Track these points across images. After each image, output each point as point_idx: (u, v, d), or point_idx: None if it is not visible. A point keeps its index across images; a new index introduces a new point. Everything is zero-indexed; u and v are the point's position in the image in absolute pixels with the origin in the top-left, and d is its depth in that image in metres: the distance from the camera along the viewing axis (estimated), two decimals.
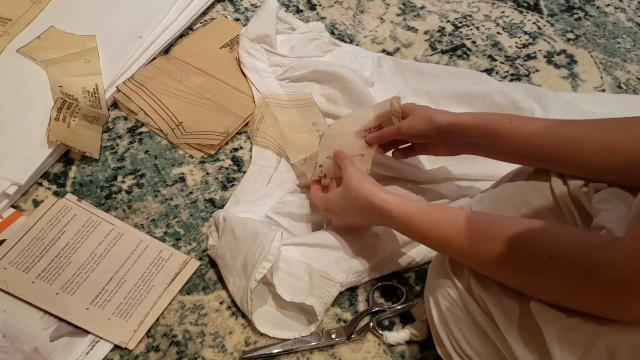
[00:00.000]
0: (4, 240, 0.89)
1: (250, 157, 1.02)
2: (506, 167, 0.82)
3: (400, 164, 0.95)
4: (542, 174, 0.75)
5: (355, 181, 0.81)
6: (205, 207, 0.96)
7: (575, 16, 1.29)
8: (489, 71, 1.18)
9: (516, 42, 1.24)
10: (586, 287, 0.54)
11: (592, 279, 0.53)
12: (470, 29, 1.26)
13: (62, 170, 1.00)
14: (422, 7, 1.30)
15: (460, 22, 1.27)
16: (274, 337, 0.82)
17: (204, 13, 1.24)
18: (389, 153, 0.92)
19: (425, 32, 1.25)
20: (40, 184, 0.98)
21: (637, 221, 0.51)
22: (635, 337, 0.53)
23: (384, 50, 1.21)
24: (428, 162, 0.98)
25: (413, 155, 0.91)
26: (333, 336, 0.82)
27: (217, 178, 1.00)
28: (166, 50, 1.17)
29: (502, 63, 1.20)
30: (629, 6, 1.32)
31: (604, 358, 0.53)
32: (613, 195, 0.66)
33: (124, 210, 0.95)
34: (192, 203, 0.97)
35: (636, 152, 0.66)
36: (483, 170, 0.96)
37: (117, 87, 1.09)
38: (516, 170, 0.80)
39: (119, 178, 0.99)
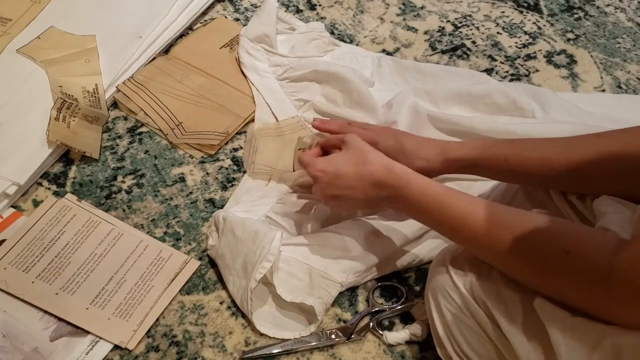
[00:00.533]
0: (4, 240, 0.89)
1: None
2: None
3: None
4: None
5: (371, 156, 0.75)
6: (205, 207, 0.96)
7: (575, 16, 1.29)
8: (489, 71, 1.18)
9: (516, 42, 1.24)
10: (596, 289, 0.54)
11: (604, 281, 0.53)
12: (470, 29, 1.26)
13: (62, 170, 1.00)
14: (422, 7, 1.30)
15: (460, 22, 1.27)
16: (274, 337, 0.82)
17: (204, 13, 1.24)
18: None
19: (425, 32, 1.25)
20: (40, 184, 0.98)
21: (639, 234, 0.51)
22: None
23: (384, 50, 1.21)
24: None
25: None
26: (333, 336, 0.82)
27: (217, 178, 1.00)
28: (166, 50, 1.17)
29: (502, 63, 1.20)
30: (629, 6, 1.32)
31: (610, 357, 0.53)
32: (614, 200, 0.66)
33: (123, 210, 0.95)
34: (192, 203, 0.97)
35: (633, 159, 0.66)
36: None
37: (117, 87, 1.09)
38: None
39: (119, 178, 0.99)
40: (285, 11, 1.25)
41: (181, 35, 1.20)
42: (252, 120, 1.07)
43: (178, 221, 0.95)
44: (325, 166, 0.77)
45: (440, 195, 0.69)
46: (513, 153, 0.75)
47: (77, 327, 0.82)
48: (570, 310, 0.57)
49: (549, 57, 1.21)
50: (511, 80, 1.16)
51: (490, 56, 1.21)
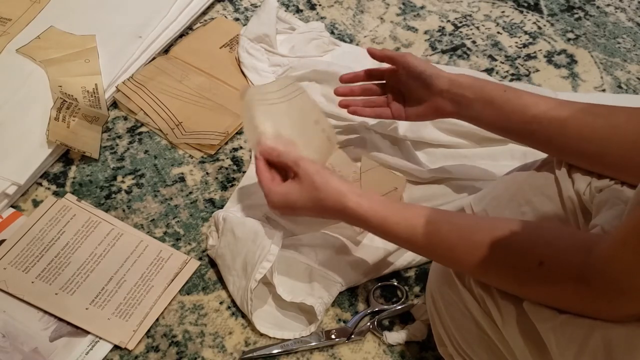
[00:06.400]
0: (3, 240, 0.89)
1: (250, 157, 1.02)
2: (506, 168, 0.82)
3: (401, 163, 0.95)
4: (545, 171, 0.75)
5: (319, 180, 0.73)
6: (205, 207, 0.96)
7: (576, 16, 1.29)
8: (489, 71, 1.18)
9: (516, 42, 1.23)
10: (576, 290, 0.54)
11: (582, 282, 0.53)
12: (471, 29, 1.26)
13: (62, 170, 1.00)
14: (422, 7, 1.30)
15: (461, 22, 1.27)
16: (274, 337, 0.82)
17: (204, 13, 1.24)
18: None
19: (425, 32, 1.25)
20: (40, 184, 0.98)
21: (621, 225, 0.50)
22: (630, 327, 0.52)
23: None
24: (429, 162, 0.98)
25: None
26: (333, 336, 0.82)
27: (216, 178, 1.00)
28: (166, 50, 1.17)
29: (502, 63, 1.20)
30: (629, 6, 1.32)
31: (601, 350, 0.53)
32: (614, 196, 0.66)
33: (123, 210, 0.95)
34: (192, 203, 0.97)
35: (614, 142, 0.66)
36: (483, 171, 0.96)
37: (116, 87, 1.09)
38: (517, 169, 0.80)
39: (119, 178, 0.99)
40: (285, 11, 1.25)
41: (181, 35, 1.20)
42: None
43: (178, 221, 0.94)
44: (285, 204, 0.77)
45: (399, 226, 0.68)
46: (512, 90, 0.76)
47: (77, 327, 0.82)
48: (557, 308, 0.57)
49: (549, 57, 1.21)
50: (511, 80, 1.16)
51: (490, 56, 1.21)
